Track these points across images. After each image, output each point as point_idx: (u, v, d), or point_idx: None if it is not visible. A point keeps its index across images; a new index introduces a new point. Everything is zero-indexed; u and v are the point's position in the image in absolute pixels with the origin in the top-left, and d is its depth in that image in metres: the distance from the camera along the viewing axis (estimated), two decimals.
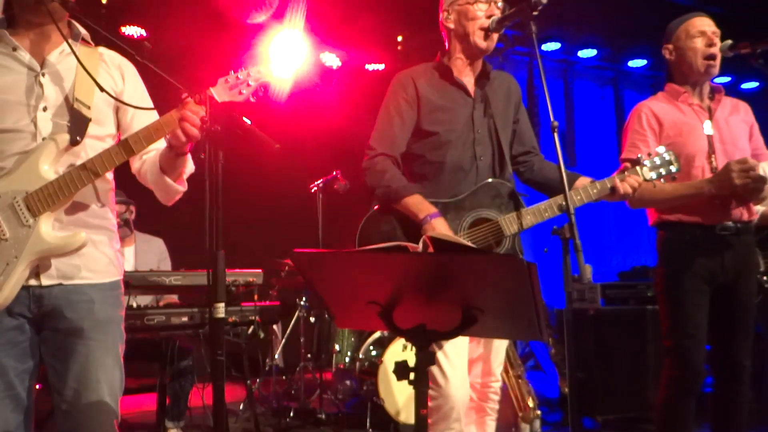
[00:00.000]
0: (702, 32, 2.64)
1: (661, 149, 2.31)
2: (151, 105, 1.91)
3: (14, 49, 1.73)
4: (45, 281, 1.70)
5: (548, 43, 7.08)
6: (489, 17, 2.27)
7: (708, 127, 2.67)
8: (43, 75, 1.73)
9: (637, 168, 2.28)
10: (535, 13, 2.12)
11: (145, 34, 5.82)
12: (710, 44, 2.63)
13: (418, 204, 2.18)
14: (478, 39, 2.29)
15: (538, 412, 3.78)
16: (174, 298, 3.83)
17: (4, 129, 1.68)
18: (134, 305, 3.23)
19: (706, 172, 2.62)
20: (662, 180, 2.30)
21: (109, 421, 1.74)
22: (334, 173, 4.65)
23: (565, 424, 4.11)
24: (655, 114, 2.71)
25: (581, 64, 7.64)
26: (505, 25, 2.28)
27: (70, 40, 1.75)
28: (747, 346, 2.63)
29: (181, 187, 1.86)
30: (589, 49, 7.30)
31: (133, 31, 5.80)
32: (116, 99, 1.80)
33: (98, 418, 1.71)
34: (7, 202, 1.65)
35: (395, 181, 2.23)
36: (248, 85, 1.73)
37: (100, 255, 1.80)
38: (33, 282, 1.69)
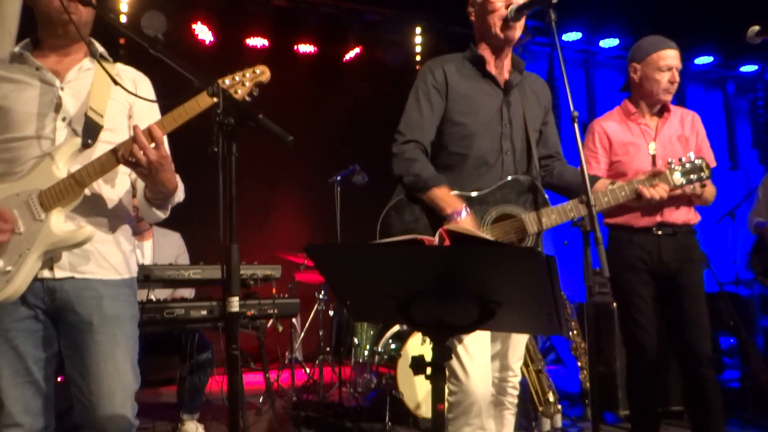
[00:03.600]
0: (669, 67, 2.88)
1: (692, 155, 2.34)
2: (158, 116, 2.00)
3: (37, 68, 1.91)
4: (58, 273, 1.83)
5: (569, 33, 6.98)
6: (508, 6, 2.23)
7: (652, 147, 2.95)
8: (62, 89, 1.90)
9: (668, 173, 2.28)
10: (554, 0, 2.08)
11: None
12: (672, 81, 2.90)
13: (446, 198, 2.14)
14: (498, 30, 2.25)
15: (559, 406, 3.75)
16: (187, 293, 3.85)
17: (24, 137, 1.85)
18: (153, 299, 3.26)
19: None
20: (692, 186, 2.31)
21: (121, 412, 1.82)
22: (353, 166, 4.64)
23: (586, 418, 4.07)
24: (606, 133, 3.02)
25: (603, 54, 7.52)
26: (524, 13, 2.23)
27: (87, 58, 1.97)
28: (702, 331, 2.84)
29: (162, 215, 1.99)
30: (611, 39, 7.19)
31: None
32: (129, 91, 1.87)
33: (111, 410, 1.80)
34: (23, 200, 1.80)
35: (425, 171, 2.18)
36: (243, 85, 1.83)
37: (111, 252, 1.93)
38: (47, 274, 1.82)
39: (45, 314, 1.84)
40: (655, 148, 2.94)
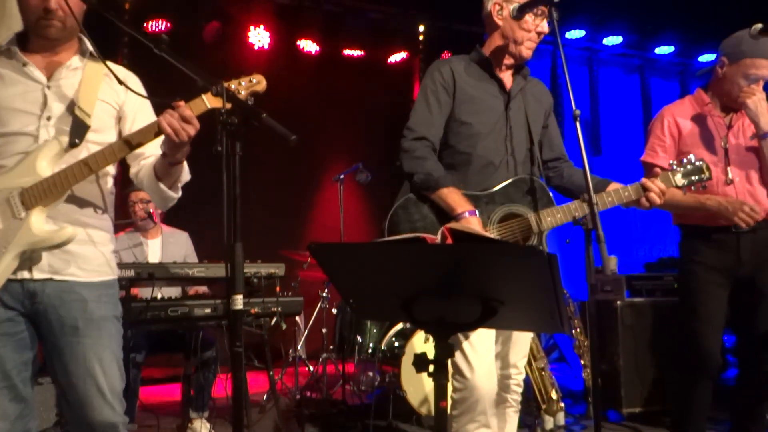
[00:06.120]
0: (757, 78, 2.70)
1: (692, 157, 2.32)
2: (152, 115, 1.99)
3: (24, 64, 1.86)
4: (36, 275, 1.78)
5: (572, 31, 6.97)
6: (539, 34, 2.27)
7: (725, 141, 2.79)
8: (49, 87, 1.86)
9: (670, 174, 2.29)
10: None
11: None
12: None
13: (456, 198, 2.14)
14: (524, 50, 2.29)
15: (562, 404, 3.75)
16: (203, 289, 3.86)
17: (8, 132, 1.81)
18: (158, 296, 3.27)
19: (720, 183, 2.74)
20: (693, 188, 2.31)
21: (110, 410, 1.81)
22: (356, 165, 4.65)
23: (589, 416, 4.07)
24: (677, 122, 2.85)
25: (606, 51, 7.52)
26: (527, 12, 2.24)
27: (77, 56, 1.92)
28: None
29: (175, 194, 1.95)
30: (615, 36, 7.18)
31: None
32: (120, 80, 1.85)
33: (100, 409, 1.79)
34: (4, 197, 1.75)
35: (435, 170, 2.19)
36: (239, 93, 1.79)
37: (94, 254, 1.88)
38: (26, 275, 1.78)
39: (24, 317, 1.80)
40: (729, 141, 2.78)
